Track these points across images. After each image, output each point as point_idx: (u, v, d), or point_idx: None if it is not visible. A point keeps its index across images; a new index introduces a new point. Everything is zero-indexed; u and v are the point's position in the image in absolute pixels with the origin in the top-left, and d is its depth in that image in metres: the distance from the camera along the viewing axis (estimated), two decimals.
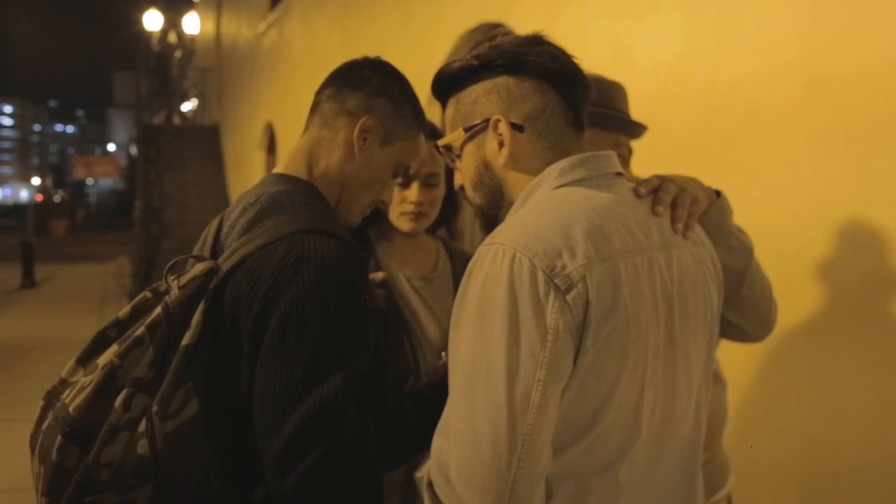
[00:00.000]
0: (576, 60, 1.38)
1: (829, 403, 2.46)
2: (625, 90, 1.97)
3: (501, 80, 1.35)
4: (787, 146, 2.61)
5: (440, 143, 1.47)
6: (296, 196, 1.49)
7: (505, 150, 1.33)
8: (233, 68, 16.74)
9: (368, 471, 1.35)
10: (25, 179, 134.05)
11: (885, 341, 2.31)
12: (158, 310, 1.34)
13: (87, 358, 1.38)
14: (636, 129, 1.95)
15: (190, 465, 1.31)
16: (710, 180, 2.79)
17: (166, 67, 28.14)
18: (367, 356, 1.36)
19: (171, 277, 1.40)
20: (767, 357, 2.65)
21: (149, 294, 1.42)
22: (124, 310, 1.41)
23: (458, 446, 1.13)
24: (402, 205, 2.11)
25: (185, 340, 1.31)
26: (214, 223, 1.59)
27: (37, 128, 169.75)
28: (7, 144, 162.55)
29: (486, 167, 1.38)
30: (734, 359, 2.64)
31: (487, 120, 1.35)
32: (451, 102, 1.43)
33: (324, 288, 1.31)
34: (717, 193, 1.57)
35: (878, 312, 2.32)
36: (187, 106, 27.29)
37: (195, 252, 1.56)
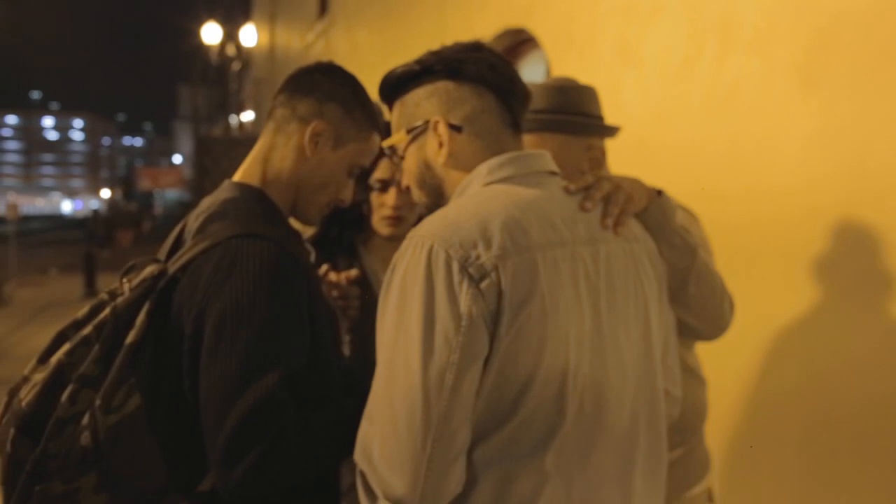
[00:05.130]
0: (513, 67, 1.42)
1: (826, 400, 2.43)
2: (595, 92, 1.98)
3: (441, 84, 1.40)
4: (783, 145, 2.60)
5: (384, 144, 1.52)
6: (240, 203, 1.55)
7: (444, 150, 1.38)
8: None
9: (312, 465, 1.40)
10: (95, 192, 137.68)
11: (881, 338, 2.28)
12: (108, 310, 1.41)
13: (46, 356, 1.46)
14: (606, 131, 1.96)
15: (133, 455, 1.37)
16: (712, 178, 2.81)
17: (225, 79, 28.67)
18: (303, 353, 1.41)
19: (125, 279, 1.48)
20: (764, 355, 2.63)
21: (105, 296, 1.49)
22: (83, 310, 1.49)
23: (380, 428, 1.19)
24: (382, 209, 2.15)
25: (129, 339, 1.38)
26: (178, 227, 1.66)
27: (106, 141, 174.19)
28: (77, 158, 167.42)
29: (427, 167, 1.43)
30: (732, 357, 2.63)
31: (427, 121, 1.40)
32: (397, 106, 1.48)
33: (256, 289, 1.37)
34: (659, 192, 1.58)
35: (874, 309, 2.29)
36: (245, 117, 27.79)
37: (158, 255, 1.63)
